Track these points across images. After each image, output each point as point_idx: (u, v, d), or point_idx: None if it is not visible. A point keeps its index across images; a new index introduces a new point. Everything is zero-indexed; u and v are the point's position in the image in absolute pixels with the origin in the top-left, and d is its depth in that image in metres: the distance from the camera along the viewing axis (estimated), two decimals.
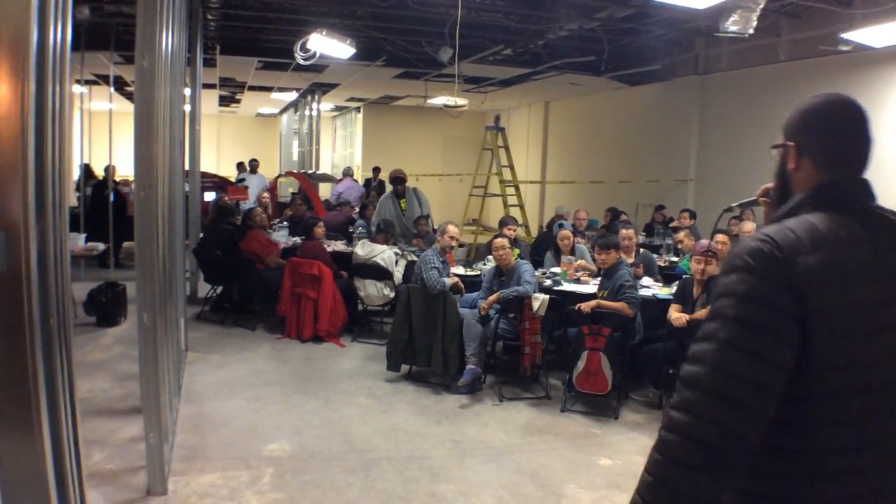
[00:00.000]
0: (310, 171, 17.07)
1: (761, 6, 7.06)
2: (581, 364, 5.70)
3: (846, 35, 8.12)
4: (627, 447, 5.16)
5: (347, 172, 14.85)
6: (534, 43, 11.03)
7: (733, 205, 1.98)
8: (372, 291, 7.59)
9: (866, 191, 1.62)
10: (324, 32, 8.88)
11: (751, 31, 7.34)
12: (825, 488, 1.45)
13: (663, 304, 6.19)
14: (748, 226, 8.45)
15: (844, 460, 1.45)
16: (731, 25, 7.25)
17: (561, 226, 9.01)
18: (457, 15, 7.70)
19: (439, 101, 14.16)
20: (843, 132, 1.63)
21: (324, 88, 17.13)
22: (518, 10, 9.65)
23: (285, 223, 9.86)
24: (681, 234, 8.69)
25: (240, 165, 16.52)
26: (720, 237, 7.16)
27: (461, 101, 9.14)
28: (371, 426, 5.33)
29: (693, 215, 10.71)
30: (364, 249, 7.66)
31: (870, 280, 1.48)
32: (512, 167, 14.18)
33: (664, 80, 13.55)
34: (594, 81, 13.76)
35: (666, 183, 13.35)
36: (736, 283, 1.46)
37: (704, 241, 6.32)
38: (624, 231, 7.52)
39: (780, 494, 1.48)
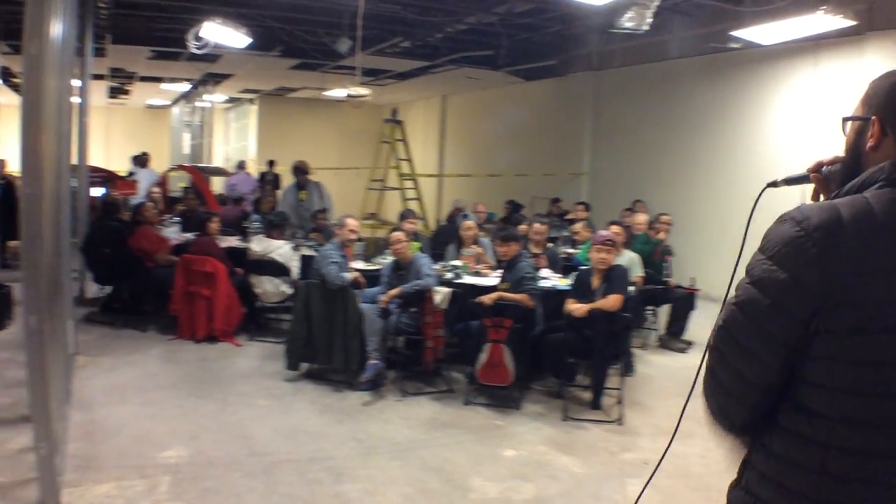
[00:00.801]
0: (202, 165, 16.55)
1: (656, 3, 7.23)
2: (483, 356, 5.70)
3: (736, 33, 8.44)
4: (530, 437, 5.19)
5: (240, 165, 14.47)
6: (432, 36, 11.01)
7: (778, 180, 1.70)
8: (269, 288, 7.38)
9: None
10: (218, 21, 8.59)
11: (646, 27, 7.52)
12: (841, 465, 1.34)
13: (563, 295, 6.25)
14: (640, 217, 8.67)
15: (864, 437, 1.32)
16: (627, 22, 7.41)
17: (465, 217, 9.02)
18: (358, 5, 7.57)
19: (337, 93, 13.97)
20: None
21: (217, 79, 16.66)
22: (417, 2, 9.60)
23: (177, 219, 9.51)
24: (577, 226, 8.84)
25: (135, 159, 15.84)
26: (614, 228, 7.33)
27: (364, 91, 9.02)
28: (271, 428, 5.15)
29: (587, 207, 10.93)
30: (260, 245, 7.44)
31: None
32: (410, 160, 14.14)
33: (560, 76, 13.80)
34: (491, 76, 13.88)
35: (561, 176, 13.60)
36: (756, 264, 1.40)
37: (604, 232, 6.44)
38: (536, 225, 7.58)
39: (798, 459, 1.38)
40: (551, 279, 6.87)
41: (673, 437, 1.65)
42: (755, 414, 1.45)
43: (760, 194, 1.67)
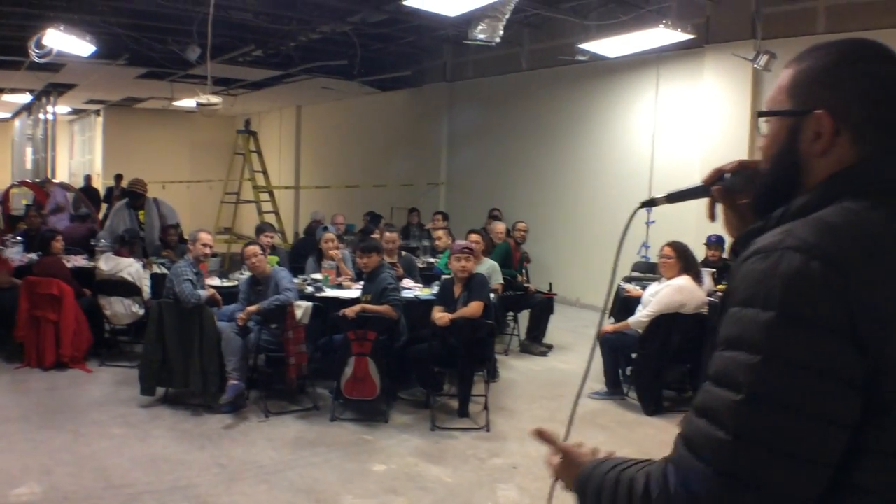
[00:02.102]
0: (50, 180, 15.52)
1: (507, 16, 7.38)
2: (348, 370, 5.60)
3: (583, 46, 8.75)
4: (400, 450, 5.14)
5: (43, 182, 13.54)
6: (285, 45, 10.83)
7: (657, 197, 1.41)
8: (119, 309, 6.97)
9: None
10: (62, 28, 8.08)
11: (497, 39, 7.66)
12: None
13: (426, 305, 6.26)
14: (500, 226, 8.84)
15: None
16: (480, 34, 7.51)
17: (325, 229, 8.87)
18: (207, 12, 7.31)
19: (187, 103, 13.48)
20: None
21: (61, 89, 15.70)
22: (268, 9, 9.40)
23: (19, 238, 8.85)
24: (439, 233, 8.91)
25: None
26: (473, 236, 7.43)
27: (215, 100, 8.70)
28: (128, 458, 4.84)
29: (446, 217, 11.04)
30: (108, 264, 7.01)
31: None
32: (265, 172, 13.79)
33: (415, 87, 13.90)
34: (346, 86, 13.80)
35: (419, 186, 13.68)
36: (762, 328, 0.97)
37: (462, 241, 6.50)
38: (388, 234, 7.55)
39: None
40: (413, 289, 6.87)
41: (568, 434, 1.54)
42: None
43: (633, 215, 1.41)
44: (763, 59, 8.08)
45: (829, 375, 0.94)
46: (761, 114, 1.22)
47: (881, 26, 7.67)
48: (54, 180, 13.84)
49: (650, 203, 1.43)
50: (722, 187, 1.31)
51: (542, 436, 1.45)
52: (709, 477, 0.97)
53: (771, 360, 0.95)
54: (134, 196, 8.74)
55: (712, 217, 1.35)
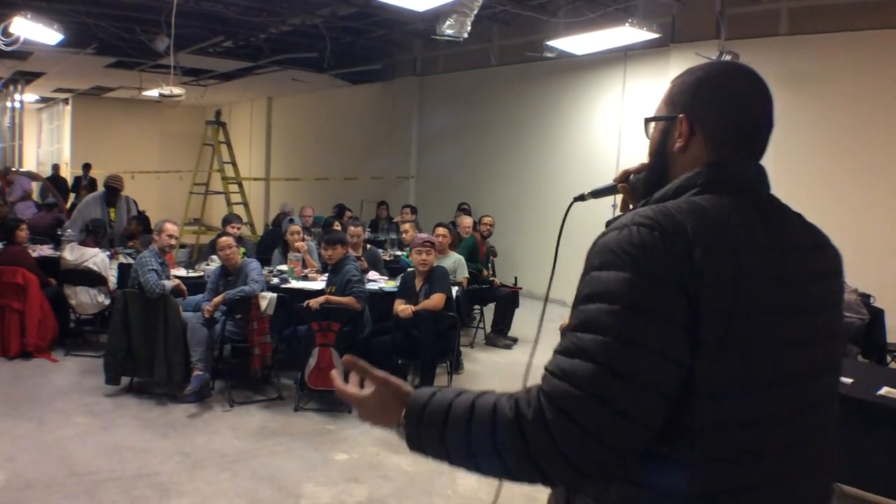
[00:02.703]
0: (13, 169, 15.31)
1: (475, 11, 7.46)
2: (312, 361, 5.66)
3: (551, 42, 8.85)
4: (362, 439, 5.21)
5: (6, 171, 13.38)
6: (255, 36, 10.83)
7: (585, 193, 1.65)
8: (84, 299, 6.97)
9: (764, 179, 1.39)
10: (29, 15, 8.02)
11: (465, 35, 7.73)
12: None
13: (390, 297, 6.34)
14: (467, 220, 8.93)
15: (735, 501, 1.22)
16: (448, 29, 7.58)
17: (291, 221, 8.91)
18: (175, 2, 7.30)
19: (155, 93, 13.39)
20: (746, 110, 1.37)
21: (28, 78, 15.49)
22: (239, 1, 9.38)
23: None
24: (406, 226, 8.98)
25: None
26: (440, 230, 7.51)
27: (178, 91, 8.67)
28: (92, 446, 4.87)
29: (414, 210, 11.11)
30: (73, 254, 7.00)
31: (771, 282, 1.24)
32: (234, 164, 13.74)
33: (385, 80, 13.93)
34: (317, 78, 13.79)
35: (389, 180, 13.73)
36: (616, 283, 1.18)
37: (423, 234, 6.58)
38: (352, 228, 7.60)
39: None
40: (378, 281, 6.94)
41: None
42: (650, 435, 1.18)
43: (569, 208, 1.63)
44: (726, 59, 8.23)
45: (661, 315, 1.16)
46: (647, 120, 1.46)
47: (842, 28, 7.88)
48: (19, 169, 13.65)
49: (580, 198, 1.66)
50: (627, 185, 1.53)
51: (353, 366, 1.47)
52: (582, 399, 1.14)
53: (628, 308, 1.16)
54: (111, 191, 8.69)
55: (625, 210, 1.49)
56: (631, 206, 1.51)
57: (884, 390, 3.79)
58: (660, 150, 1.42)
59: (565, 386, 1.16)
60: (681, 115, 1.37)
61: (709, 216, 1.23)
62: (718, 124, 1.35)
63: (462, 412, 1.25)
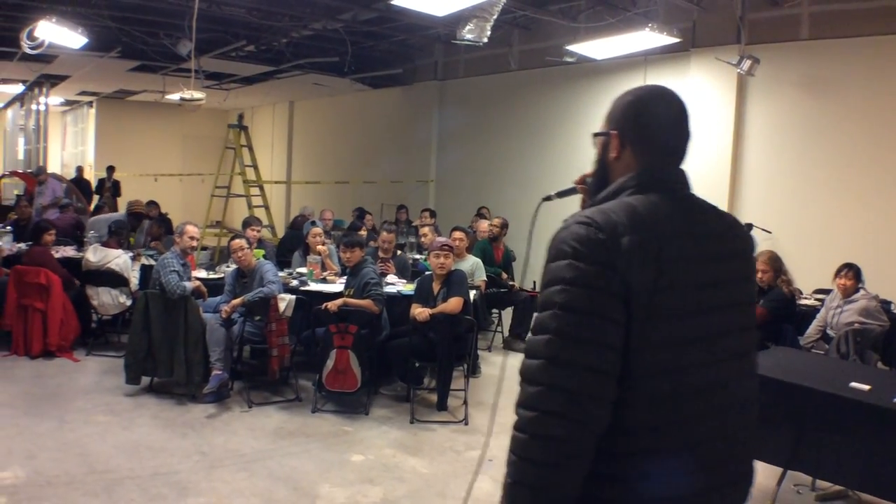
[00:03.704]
0: (47, 171, 15.51)
1: (495, 16, 7.47)
2: (330, 363, 5.70)
3: (571, 47, 8.85)
4: (378, 441, 5.25)
5: (38, 171, 13.53)
6: (277, 40, 10.91)
7: (552, 194, 1.93)
8: (106, 300, 7.06)
9: (684, 180, 1.70)
10: (54, 19, 8.14)
11: (485, 39, 7.74)
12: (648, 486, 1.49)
13: (408, 300, 6.35)
14: (484, 224, 8.95)
15: (666, 459, 1.49)
16: (468, 34, 7.60)
17: (313, 224, 8.96)
18: (195, 7, 7.39)
19: (177, 97, 13.52)
20: (665, 125, 1.68)
21: (53, 81, 15.67)
22: (261, 6, 9.47)
23: (9, 228, 8.92)
24: (425, 230, 9.01)
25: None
26: (457, 234, 7.53)
27: (198, 95, 8.76)
28: (111, 444, 4.94)
29: (433, 214, 11.13)
30: (96, 255, 7.09)
31: (688, 261, 1.53)
32: (256, 167, 13.84)
33: (406, 84, 13.97)
34: (338, 82, 13.86)
35: (408, 183, 13.76)
36: (563, 269, 1.47)
37: (441, 238, 6.60)
38: (384, 234, 7.65)
39: (611, 497, 1.50)
40: (396, 284, 6.97)
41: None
42: (608, 412, 1.45)
43: (538, 207, 1.90)
44: (747, 64, 8.21)
45: (605, 291, 1.44)
46: (594, 134, 1.75)
47: (863, 34, 7.82)
48: (52, 172, 13.81)
49: (547, 198, 1.94)
50: (585, 186, 1.80)
51: None
52: (548, 364, 1.46)
53: (569, 285, 1.46)
54: (135, 217, 8.82)
55: (583, 207, 1.75)
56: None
57: None
58: (601, 159, 1.72)
59: (533, 361, 1.48)
60: (613, 132, 1.68)
61: (637, 212, 1.52)
62: (643, 139, 1.66)
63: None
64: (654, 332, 1.47)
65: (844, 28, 8.00)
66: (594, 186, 1.72)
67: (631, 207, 1.53)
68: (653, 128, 1.67)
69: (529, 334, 1.53)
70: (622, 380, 1.45)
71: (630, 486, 1.49)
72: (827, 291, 6.66)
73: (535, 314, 1.53)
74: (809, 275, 6.97)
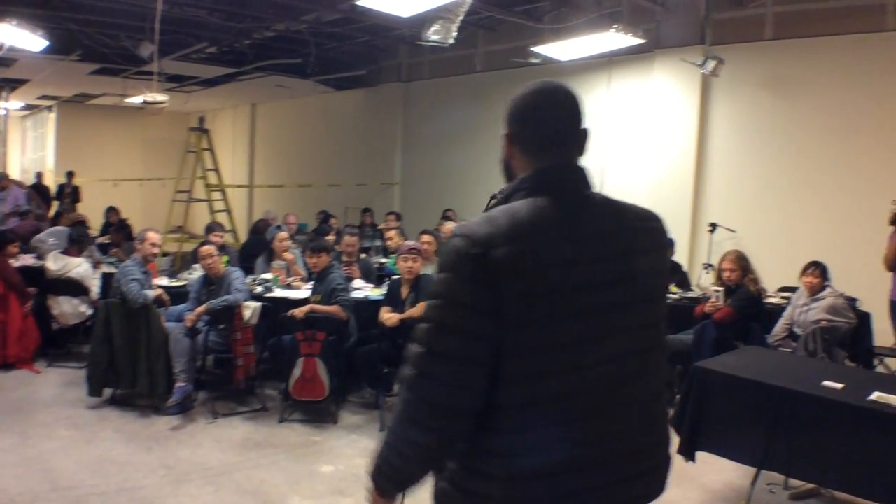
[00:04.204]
0: (9, 177, 15.10)
1: (461, 17, 7.41)
2: (297, 371, 5.60)
3: (536, 49, 8.82)
4: (348, 451, 5.15)
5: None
6: (239, 42, 10.73)
7: (496, 192, 1.96)
8: (67, 309, 6.85)
9: (580, 177, 1.65)
10: (13, 22, 7.91)
11: (451, 41, 7.68)
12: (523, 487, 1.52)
13: (376, 305, 6.25)
14: (449, 226, 8.89)
15: (543, 457, 1.51)
16: (433, 35, 7.53)
17: (279, 228, 8.82)
18: (157, 8, 7.22)
19: (139, 99, 13.27)
20: (546, 118, 1.64)
21: (13, 85, 15.33)
22: (222, 6, 9.30)
23: None
24: (391, 233, 8.93)
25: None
26: (425, 237, 7.44)
27: (161, 97, 8.57)
28: (75, 460, 4.78)
29: (398, 217, 11.03)
30: (56, 263, 6.88)
31: (568, 265, 1.51)
32: (218, 171, 13.63)
33: (370, 86, 13.86)
34: (301, 84, 13.70)
35: (373, 186, 13.65)
36: (440, 283, 1.51)
37: (410, 242, 6.51)
38: (347, 238, 7.53)
39: (484, 492, 1.54)
40: (363, 289, 6.87)
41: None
42: (468, 422, 1.51)
43: (487, 206, 1.88)
44: (711, 65, 8.25)
45: (472, 308, 1.46)
46: (502, 134, 1.70)
47: (826, 33, 7.90)
48: (15, 179, 13.45)
49: (494, 196, 2.01)
50: None
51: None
52: (418, 376, 1.51)
53: (440, 300, 1.50)
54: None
55: None
56: None
57: (875, 395, 3.77)
58: (504, 159, 1.73)
59: (410, 369, 1.52)
60: (504, 133, 1.68)
61: (519, 219, 1.51)
62: (528, 137, 1.65)
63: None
64: (527, 339, 1.47)
65: (808, 28, 8.08)
66: (506, 188, 1.72)
67: (514, 214, 1.52)
68: (535, 125, 1.64)
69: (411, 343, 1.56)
70: (495, 383, 1.49)
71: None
72: (791, 289, 6.71)
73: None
74: (774, 273, 7.00)
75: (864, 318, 6.27)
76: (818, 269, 6.18)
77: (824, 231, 7.85)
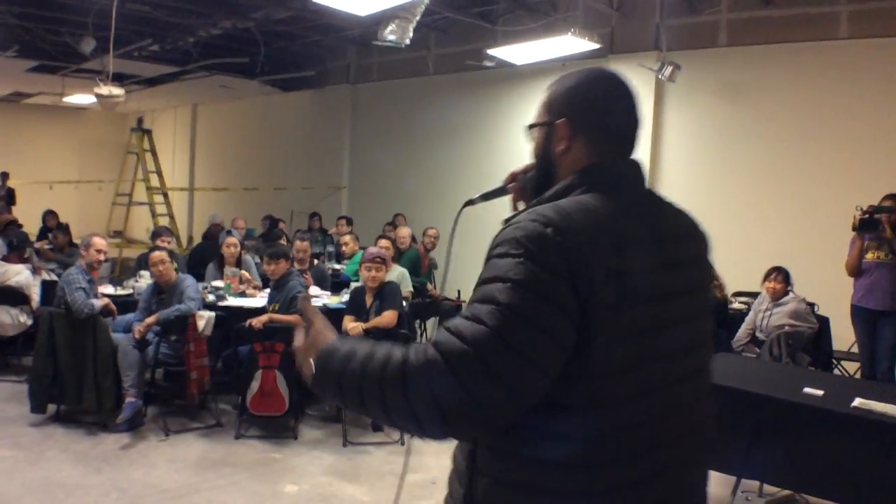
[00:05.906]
0: None
1: (418, 17, 7.25)
2: (255, 385, 5.34)
3: (491, 51, 8.70)
4: (311, 468, 4.92)
5: None
6: (184, 39, 10.36)
7: (474, 197, 1.73)
8: (5, 319, 6.44)
9: (639, 173, 1.52)
10: None
11: (407, 41, 7.51)
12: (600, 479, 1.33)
13: (335, 314, 6.03)
14: (404, 231, 8.72)
15: (620, 473, 1.33)
16: (389, 34, 7.35)
17: (229, 233, 8.50)
18: (106, 3, 6.88)
19: (78, 98, 12.78)
20: (617, 110, 1.50)
21: None
22: (169, 2, 8.95)
23: None
24: (346, 238, 8.72)
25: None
26: (383, 242, 7.27)
27: (117, 91, 8.22)
28: (19, 483, 4.44)
29: (349, 222, 10.83)
30: None
31: (653, 270, 1.36)
32: (160, 173, 13.21)
33: (317, 87, 13.59)
34: (246, 85, 13.36)
35: (320, 190, 13.39)
36: (511, 267, 1.27)
37: (374, 249, 6.32)
38: (298, 243, 7.29)
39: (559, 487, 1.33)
40: (321, 297, 6.66)
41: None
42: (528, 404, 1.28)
43: (460, 212, 1.69)
44: (668, 70, 8.24)
45: (550, 301, 1.24)
46: (530, 126, 1.56)
47: (779, 40, 7.97)
48: None
49: (470, 202, 1.72)
50: (518, 186, 1.62)
51: (305, 308, 1.54)
52: (467, 355, 1.22)
53: (515, 286, 1.25)
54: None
55: (514, 210, 1.60)
56: (522, 205, 1.58)
57: (857, 401, 3.75)
58: (544, 153, 1.52)
59: (456, 341, 1.24)
60: (561, 120, 1.48)
61: (597, 214, 1.34)
62: (595, 126, 1.47)
63: (363, 357, 1.31)
64: (613, 355, 1.29)
65: (762, 35, 8.12)
66: (535, 184, 1.54)
67: (589, 208, 1.35)
68: (607, 113, 1.49)
69: (459, 319, 1.30)
70: (566, 409, 1.30)
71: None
72: (749, 294, 6.73)
73: (471, 304, 1.31)
74: (731, 278, 7.00)
75: (823, 323, 6.33)
76: (781, 275, 6.21)
77: (779, 237, 7.91)
